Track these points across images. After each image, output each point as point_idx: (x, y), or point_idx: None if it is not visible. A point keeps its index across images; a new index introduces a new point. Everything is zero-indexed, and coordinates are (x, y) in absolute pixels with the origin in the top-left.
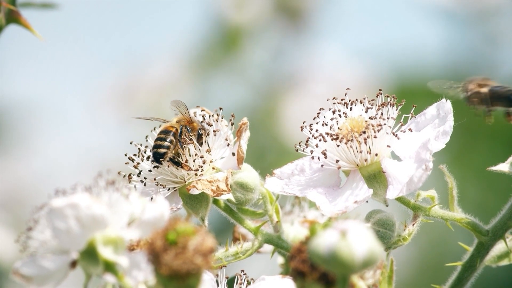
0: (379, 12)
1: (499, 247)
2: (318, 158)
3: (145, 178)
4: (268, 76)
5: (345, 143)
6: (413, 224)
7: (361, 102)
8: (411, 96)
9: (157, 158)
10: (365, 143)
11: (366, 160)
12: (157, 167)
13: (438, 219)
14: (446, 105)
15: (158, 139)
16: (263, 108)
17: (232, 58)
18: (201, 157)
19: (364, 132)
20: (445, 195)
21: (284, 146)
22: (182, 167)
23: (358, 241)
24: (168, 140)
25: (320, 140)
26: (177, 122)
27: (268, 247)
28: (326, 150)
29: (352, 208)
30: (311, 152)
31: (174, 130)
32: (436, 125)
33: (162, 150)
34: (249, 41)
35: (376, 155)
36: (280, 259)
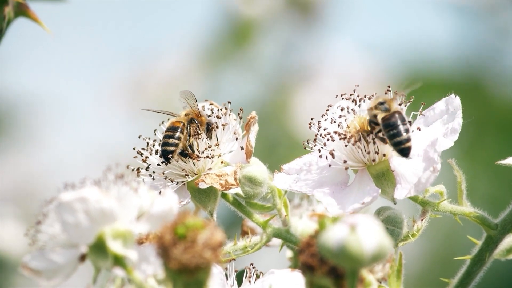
0: (389, 6)
1: (508, 241)
2: (326, 157)
3: (153, 172)
4: (278, 70)
5: (353, 144)
6: (422, 220)
7: (369, 99)
8: (421, 91)
9: (166, 155)
10: (374, 143)
11: (374, 160)
12: (166, 163)
13: (447, 213)
14: (455, 101)
15: (166, 136)
16: (273, 102)
17: (242, 52)
18: (211, 150)
19: (372, 132)
20: (454, 189)
21: (294, 140)
22: (191, 157)
23: (367, 235)
24: (176, 137)
25: (328, 140)
26: (185, 115)
27: (276, 241)
28: (334, 150)
29: (359, 209)
30: (319, 150)
31: (181, 125)
32: (445, 121)
33: (171, 148)
34: (259, 35)
35: (384, 155)
36: (288, 253)
